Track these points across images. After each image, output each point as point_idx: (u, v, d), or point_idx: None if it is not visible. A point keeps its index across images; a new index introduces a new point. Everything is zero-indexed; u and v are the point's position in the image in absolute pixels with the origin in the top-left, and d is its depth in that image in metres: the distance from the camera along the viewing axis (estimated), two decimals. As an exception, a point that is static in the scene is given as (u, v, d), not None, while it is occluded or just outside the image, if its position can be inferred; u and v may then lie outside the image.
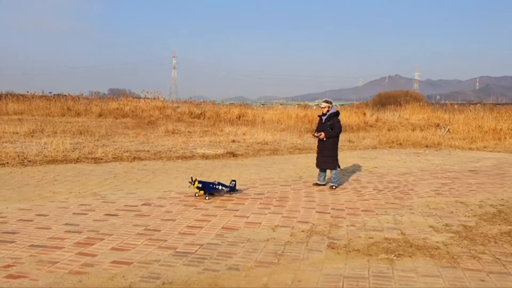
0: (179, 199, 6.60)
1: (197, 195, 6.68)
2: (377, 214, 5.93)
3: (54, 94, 33.57)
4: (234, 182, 6.99)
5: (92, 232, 4.83)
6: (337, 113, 7.74)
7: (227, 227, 5.16)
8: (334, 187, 7.64)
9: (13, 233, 4.75)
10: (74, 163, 9.80)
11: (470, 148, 15.25)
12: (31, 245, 4.36)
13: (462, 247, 4.57)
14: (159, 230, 4.96)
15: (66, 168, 9.08)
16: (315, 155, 8.02)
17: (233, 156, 11.67)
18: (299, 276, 3.73)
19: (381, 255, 4.28)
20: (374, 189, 7.64)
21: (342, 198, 6.88)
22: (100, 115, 24.02)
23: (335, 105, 8.22)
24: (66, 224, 5.14)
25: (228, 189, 6.86)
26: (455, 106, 31.24)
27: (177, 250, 4.32)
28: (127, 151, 11.57)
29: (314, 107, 32.21)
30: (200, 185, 6.53)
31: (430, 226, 5.36)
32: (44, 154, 10.39)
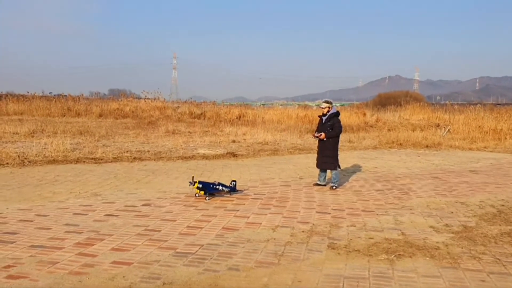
0: (179, 199, 6.60)
1: (197, 195, 6.68)
2: (377, 214, 5.92)
3: (54, 95, 33.58)
4: (234, 183, 6.99)
5: (92, 233, 4.83)
6: (337, 114, 7.74)
7: (227, 227, 5.16)
8: (334, 187, 7.64)
9: (13, 233, 4.75)
10: (74, 163, 9.81)
11: (470, 149, 15.25)
12: (31, 246, 4.36)
13: (462, 248, 4.57)
14: (159, 231, 4.96)
15: (66, 169, 9.08)
16: (316, 155, 8.02)
17: (234, 156, 11.67)
18: (300, 276, 3.73)
19: (382, 255, 4.28)
20: (374, 190, 7.64)
21: (342, 199, 6.88)
22: (100, 115, 24.03)
23: (336, 105, 8.22)
24: (66, 224, 5.14)
25: (229, 189, 6.86)
26: (455, 106, 31.23)
27: (177, 250, 4.32)
28: (127, 151, 11.57)
29: (315, 108, 32.22)
30: (200, 186, 6.53)
31: (431, 227, 5.35)
32: (44, 155, 10.39)
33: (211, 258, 4.12)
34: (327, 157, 7.63)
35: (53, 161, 9.84)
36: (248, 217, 5.62)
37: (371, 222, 5.52)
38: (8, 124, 16.89)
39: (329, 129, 7.57)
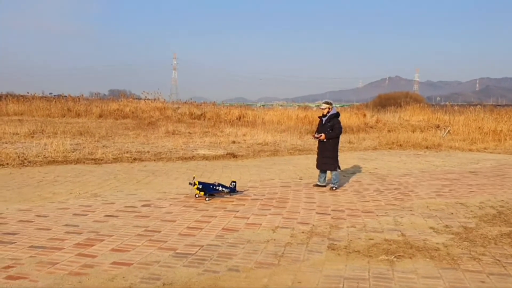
0: (179, 200, 6.60)
1: (197, 196, 6.68)
2: (377, 215, 5.92)
3: (54, 95, 33.61)
4: (234, 183, 6.99)
5: (92, 233, 4.82)
6: (337, 114, 7.74)
7: (227, 228, 5.16)
8: (334, 188, 7.64)
9: (13, 234, 4.75)
10: (74, 164, 9.80)
11: (470, 150, 15.25)
12: (31, 246, 4.35)
13: (462, 249, 4.57)
14: (159, 231, 4.96)
15: (66, 169, 9.08)
16: (316, 156, 8.02)
17: (233, 157, 11.67)
18: (299, 277, 3.73)
19: (382, 256, 4.27)
20: (374, 190, 7.64)
21: (342, 199, 6.88)
22: (100, 116, 24.03)
23: (336, 106, 8.22)
24: (66, 225, 5.14)
25: (228, 190, 6.86)
26: (455, 107, 31.24)
27: (177, 251, 4.32)
28: (127, 152, 11.57)
29: (315, 108, 32.21)
30: (200, 186, 6.53)
31: (430, 228, 5.35)
32: (44, 155, 10.39)
33: (211, 259, 4.12)
34: (327, 158, 7.63)
35: (53, 162, 9.84)
36: (248, 218, 5.62)
37: (371, 223, 5.52)
38: (8, 124, 16.89)
39: (329, 130, 7.57)
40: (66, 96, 28.76)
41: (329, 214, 5.95)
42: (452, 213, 6.09)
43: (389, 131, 20.55)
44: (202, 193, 6.58)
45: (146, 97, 29.24)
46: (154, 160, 10.63)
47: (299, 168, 10.01)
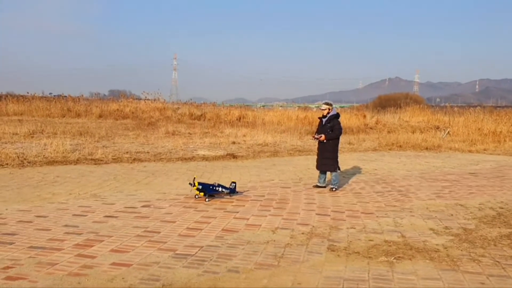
0: (179, 200, 6.59)
1: (197, 196, 6.68)
2: (377, 216, 5.92)
3: (54, 95, 33.61)
4: (234, 184, 6.99)
5: (91, 234, 4.82)
6: (337, 115, 7.74)
7: (227, 229, 5.16)
8: (334, 189, 7.64)
9: (12, 234, 4.74)
10: (74, 164, 9.80)
11: (470, 151, 15.26)
12: (30, 247, 4.35)
13: (462, 250, 4.57)
14: (159, 232, 4.96)
15: (66, 169, 9.08)
16: (315, 157, 8.02)
17: (233, 157, 11.67)
18: (299, 278, 3.73)
19: (381, 257, 4.27)
20: (374, 192, 7.64)
21: (342, 200, 6.88)
22: (100, 116, 24.02)
23: (336, 107, 8.22)
24: (66, 225, 5.13)
25: (228, 191, 6.85)
26: (455, 108, 31.24)
27: (176, 252, 4.31)
28: (127, 152, 11.56)
29: (315, 109, 32.22)
30: (200, 187, 6.53)
31: (430, 229, 5.35)
32: (44, 155, 10.38)
33: (210, 259, 4.12)
34: (327, 159, 7.63)
35: (53, 162, 9.83)
36: (248, 219, 5.62)
37: (371, 224, 5.52)
38: (8, 124, 16.88)
39: (329, 131, 7.57)
40: (66, 96, 28.78)
41: (329, 215, 5.95)
42: (451, 215, 6.09)
43: (389, 132, 20.56)
44: (201, 193, 6.58)
45: (146, 97, 29.25)
46: (154, 161, 10.63)
47: (299, 169, 10.01)
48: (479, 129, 19.33)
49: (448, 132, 19.63)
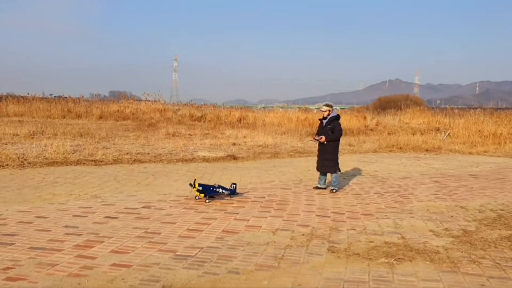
0: (179, 202, 6.59)
1: (197, 198, 6.68)
2: (377, 218, 5.92)
3: (55, 96, 33.61)
4: (234, 185, 6.99)
5: (91, 235, 4.82)
6: (337, 117, 7.74)
7: (227, 230, 5.16)
8: (334, 190, 7.63)
9: (13, 235, 4.75)
10: (74, 165, 9.80)
11: (470, 153, 15.25)
12: (31, 247, 4.35)
13: (462, 252, 4.56)
14: (159, 233, 4.96)
15: (66, 170, 9.08)
16: (316, 158, 8.02)
17: (234, 159, 11.67)
18: (299, 279, 3.73)
19: (381, 259, 4.27)
20: (374, 193, 7.64)
21: (343, 202, 6.88)
22: (100, 117, 24.04)
23: (336, 108, 8.22)
24: (66, 226, 5.13)
25: (229, 192, 6.85)
26: (455, 110, 31.28)
27: (177, 253, 4.31)
28: (127, 153, 11.57)
29: (315, 111, 32.24)
30: (200, 188, 6.53)
31: (430, 231, 5.35)
32: (44, 156, 10.39)
33: (211, 261, 4.11)
34: (327, 160, 7.63)
35: (53, 163, 9.84)
36: (248, 220, 5.62)
37: (371, 225, 5.52)
38: (8, 125, 16.89)
39: (330, 133, 7.57)
40: (66, 97, 28.79)
41: (329, 216, 5.95)
42: (452, 216, 6.09)
43: (389, 133, 20.56)
44: (202, 195, 6.58)
45: (146, 98, 29.27)
46: (154, 162, 10.64)
47: (299, 170, 10.01)
48: (479, 131, 19.33)
49: (449, 134, 19.63)
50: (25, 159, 9.89)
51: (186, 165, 10.40)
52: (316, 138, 7.71)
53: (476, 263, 4.24)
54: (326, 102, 8.02)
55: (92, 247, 4.41)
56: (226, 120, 24.42)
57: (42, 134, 15.03)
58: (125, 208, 6.10)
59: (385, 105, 46.48)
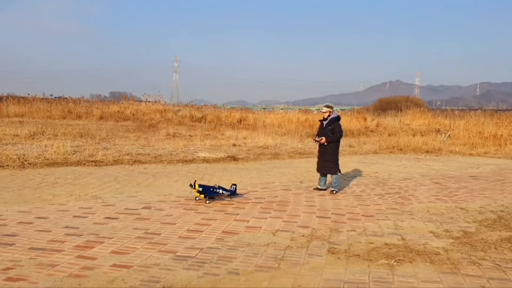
0: (180, 202, 6.59)
1: (197, 198, 6.68)
2: (377, 219, 5.92)
3: (55, 97, 33.66)
4: (234, 186, 6.99)
5: (92, 235, 4.82)
6: (338, 118, 7.75)
7: (227, 231, 5.16)
8: (334, 191, 7.64)
9: (13, 235, 4.75)
10: (75, 166, 9.81)
11: (470, 154, 15.25)
12: (31, 248, 4.35)
13: (462, 253, 4.56)
14: (159, 234, 4.96)
15: (66, 171, 9.09)
16: (316, 159, 8.02)
17: (234, 160, 11.67)
18: (299, 280, 3.73)
19: (382, 260, 4.27)
20: (374, 194, 7.64)
21: (343, 203, 6.88)
22: (101, 118, 24.06)
23: (336, 109, 8.23)
24: (66, 227, 5.14)
25: (229, 193, 6.86)
26: (456, 112, 31.28)
27: (177, 254, 4.31)
28: (127, 154, 11.57)
29: (315, 112, 32.24)
30: (200, 189, 6.53)
31: (431, 232, 5.35)
32: (44, 157, 10.39)
33: (211, 261, 4.12)
34: (328, 162, 7.64)
35: (54, 164, 9.85)
36: (248, 221, 5.62)
37: (371, 227, 5.52)
38: (9, 126, 16.90)
39: (330, 134, 7.57)
40: (66, 98, 28.83)
41: (329, 217, 5.95)
42: (452, 218, 6.09)
43: (389, 135, 20.56)
44: (202, 196, 6.58)
45: (147, 99, 29.26)
46: (155, 163, 10.64)
47: (300, 172, 10.01)
48: (479, 132, 19.33)
49: (449, 135, 19.63)
50: (26, 160, 9.90)
51: (186, 166, 10.40)
52: (317, 139, 7.72)
53: (476, 264, 4.24)
54: (327, 103, 8.03)
55: (93, 247, 4.42)
56: (227, 121, 24.42)
57: (43, 135, 15.04)
58: (125, 208, 6.11)
59: (385, 106, 46.48)
